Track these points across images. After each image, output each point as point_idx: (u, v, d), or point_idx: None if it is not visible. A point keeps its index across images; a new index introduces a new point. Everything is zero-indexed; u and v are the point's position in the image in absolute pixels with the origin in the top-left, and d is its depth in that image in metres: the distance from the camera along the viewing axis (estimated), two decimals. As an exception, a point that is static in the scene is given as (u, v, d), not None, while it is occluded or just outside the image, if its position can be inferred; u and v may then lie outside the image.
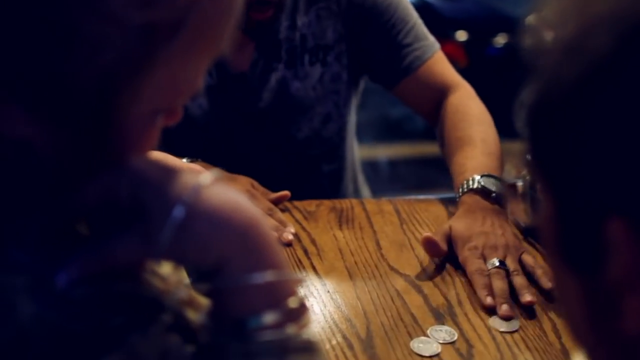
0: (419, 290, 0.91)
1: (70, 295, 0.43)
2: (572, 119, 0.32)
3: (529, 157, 0.35)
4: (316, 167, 1.25)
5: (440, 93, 1.20)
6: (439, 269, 0.96)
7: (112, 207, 0.46)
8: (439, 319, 0.85)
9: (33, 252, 0.43)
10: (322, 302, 0.88)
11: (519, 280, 0.90)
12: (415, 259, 0.99)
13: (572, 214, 0.33)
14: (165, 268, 0.52)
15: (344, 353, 0.79)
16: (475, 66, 4.37)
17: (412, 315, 0.86)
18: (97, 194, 0.46)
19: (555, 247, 0.35)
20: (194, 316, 0.51)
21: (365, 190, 1.38)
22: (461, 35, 4.45)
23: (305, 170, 1.24)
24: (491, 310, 0.86)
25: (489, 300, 0.87)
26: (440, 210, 1.13)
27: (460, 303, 0.89)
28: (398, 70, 1.18)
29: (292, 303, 0.48)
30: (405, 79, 1.19)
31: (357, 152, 1.36)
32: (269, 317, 0.47)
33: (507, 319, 0.84)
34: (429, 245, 0.96)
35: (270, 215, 1.04)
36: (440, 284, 0.93)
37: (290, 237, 1.01)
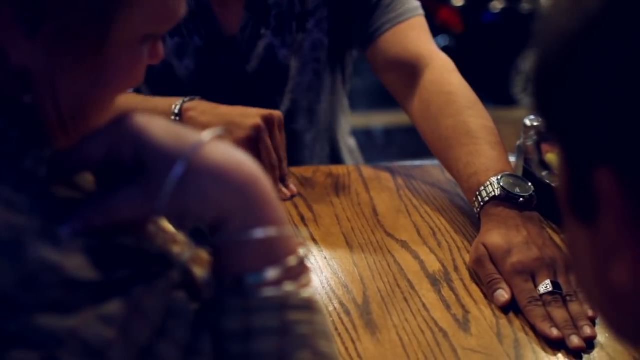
0: (416, 256, 0.91)
1: (75, 245, 0.43)
2: (568, 71, 0.34)
3: (538, 113, 0.37)
4: (300, 140, 1.22)
5: (409, 63, 1.07)
6: (436, 235, 0.96)
7: (116, 165, 0.47)
8: (436, 284, 0.86)
9: (39, 199, 0.44)
10: (318, 268, 0.88)
11: (575, 308, 0.78)
12: (412, 225, 0.99)
13: (573, 164, 0.35)
14: (172, 227, 0.53)
15: (341, 319, 0.79)
16: (471, 32, 4.34)
17: (409, 281, 0.86)
18: (102, 151, 0.47)
19: (564, 198, 0.37)
20: (200, 274, 0.52)
21: (349, 158, 1.33)
22: (457, 0, 4.41)
23: (290, 143, 1.21)
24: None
25: (555, 332, 0.75)
26: (437, 176, 1.13)
27: (456, 269, 0.89)
28: (369, 32, 1.09)
29: (292, 261, 0.49)
30: (375, 42, 1.08)
31: (346, 121, 1.33)
32: (269, 274, 0.48)
33: (578, 352, 0.74)
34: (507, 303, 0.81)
35: (276, 165, 0.99)
36: (436, 249, 0.93)
37: (293, 190, 0.99)
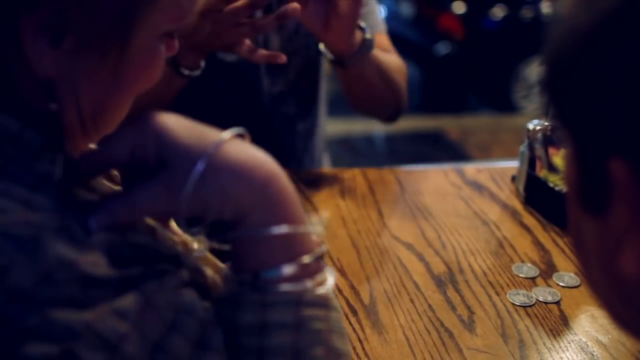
0: (421, 258, 0.93)
1: (90, 243, 0.45)
2: (583, 64, 0.34)
3: (549, 106, 0.38)
4: (291, 126, 1.23)
5: None
6: (440, 238, 0.98)
7: (141, 165, 0.48)
8: (441, 286, 0.87)
9: (55, 199, 0.45)
10: (325, 270, 0.89)
11: None
12: (417, 227, 1.00)
13: (585, 155, 0.36)
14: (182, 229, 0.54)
15: (348, 319, 0.80)
16: (472, 39, 4.36)
17: (415, 282, 0.87)
18: (128, 151, 0.48)
19: (574, 191, 0.38)
20: (211, 274, 0.53)
21: (325, 159, 1.34)
22: (458, 7, 4.42)
23: (280, 128, 1.21)
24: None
25: None
26: (440, 179, 1.14)
27: (461, 271, 0.90)
28: None
29: (309, 258, 0.50)
30: None
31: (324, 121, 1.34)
32: (285, 270, 0.49)
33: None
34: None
35: None
36: (441, 251, 0.94)
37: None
